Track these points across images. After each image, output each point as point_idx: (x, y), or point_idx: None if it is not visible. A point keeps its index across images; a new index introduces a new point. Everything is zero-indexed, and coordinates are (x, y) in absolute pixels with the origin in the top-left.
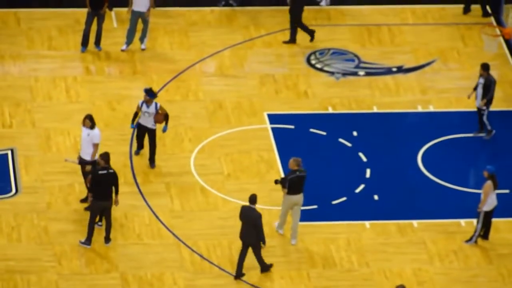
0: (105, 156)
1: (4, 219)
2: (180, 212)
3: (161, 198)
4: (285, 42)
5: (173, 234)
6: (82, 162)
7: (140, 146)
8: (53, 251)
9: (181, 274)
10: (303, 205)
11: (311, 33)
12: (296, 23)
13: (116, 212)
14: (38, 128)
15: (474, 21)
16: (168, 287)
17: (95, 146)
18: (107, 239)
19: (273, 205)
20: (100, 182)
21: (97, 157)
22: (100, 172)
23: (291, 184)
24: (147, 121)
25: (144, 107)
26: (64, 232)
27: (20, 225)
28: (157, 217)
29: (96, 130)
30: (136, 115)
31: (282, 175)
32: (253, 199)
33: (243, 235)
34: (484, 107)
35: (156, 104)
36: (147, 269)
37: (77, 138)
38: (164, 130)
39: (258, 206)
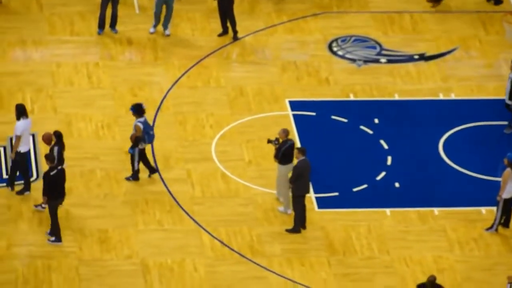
0: (50, 156)
1: (25, 204)
2: (201, 198)
3: (182, 184)
4: (219, 35)
5: (194, 220)
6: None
7: (149, 169)
8: (73, 236)
9: (201, 260)
10: (324, 192)
11: (235, 31)
12: (228, 15)
13: (137, 197)
14: (59, 114)
15: (496, 9)
16: (189, 273)
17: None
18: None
19: None
20: (55, 182)
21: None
22: (52, 173)
23: (285, 153)
24: None
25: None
26: (85, 217)
27: (40, 210)
28: (178, 203)
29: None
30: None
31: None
32: (303, 150)
33: (307, 187)
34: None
35: (136, 122)
36: (168, 255)
37: (98, 123)
38: (129, 151)
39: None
